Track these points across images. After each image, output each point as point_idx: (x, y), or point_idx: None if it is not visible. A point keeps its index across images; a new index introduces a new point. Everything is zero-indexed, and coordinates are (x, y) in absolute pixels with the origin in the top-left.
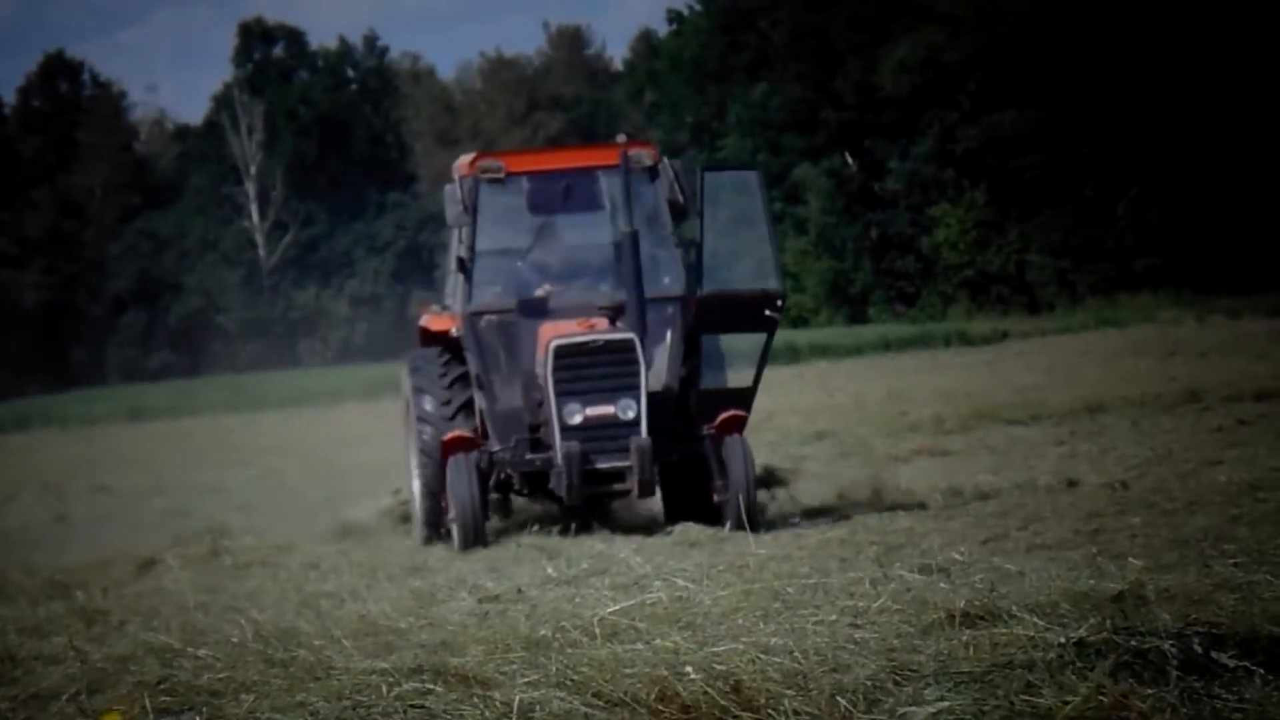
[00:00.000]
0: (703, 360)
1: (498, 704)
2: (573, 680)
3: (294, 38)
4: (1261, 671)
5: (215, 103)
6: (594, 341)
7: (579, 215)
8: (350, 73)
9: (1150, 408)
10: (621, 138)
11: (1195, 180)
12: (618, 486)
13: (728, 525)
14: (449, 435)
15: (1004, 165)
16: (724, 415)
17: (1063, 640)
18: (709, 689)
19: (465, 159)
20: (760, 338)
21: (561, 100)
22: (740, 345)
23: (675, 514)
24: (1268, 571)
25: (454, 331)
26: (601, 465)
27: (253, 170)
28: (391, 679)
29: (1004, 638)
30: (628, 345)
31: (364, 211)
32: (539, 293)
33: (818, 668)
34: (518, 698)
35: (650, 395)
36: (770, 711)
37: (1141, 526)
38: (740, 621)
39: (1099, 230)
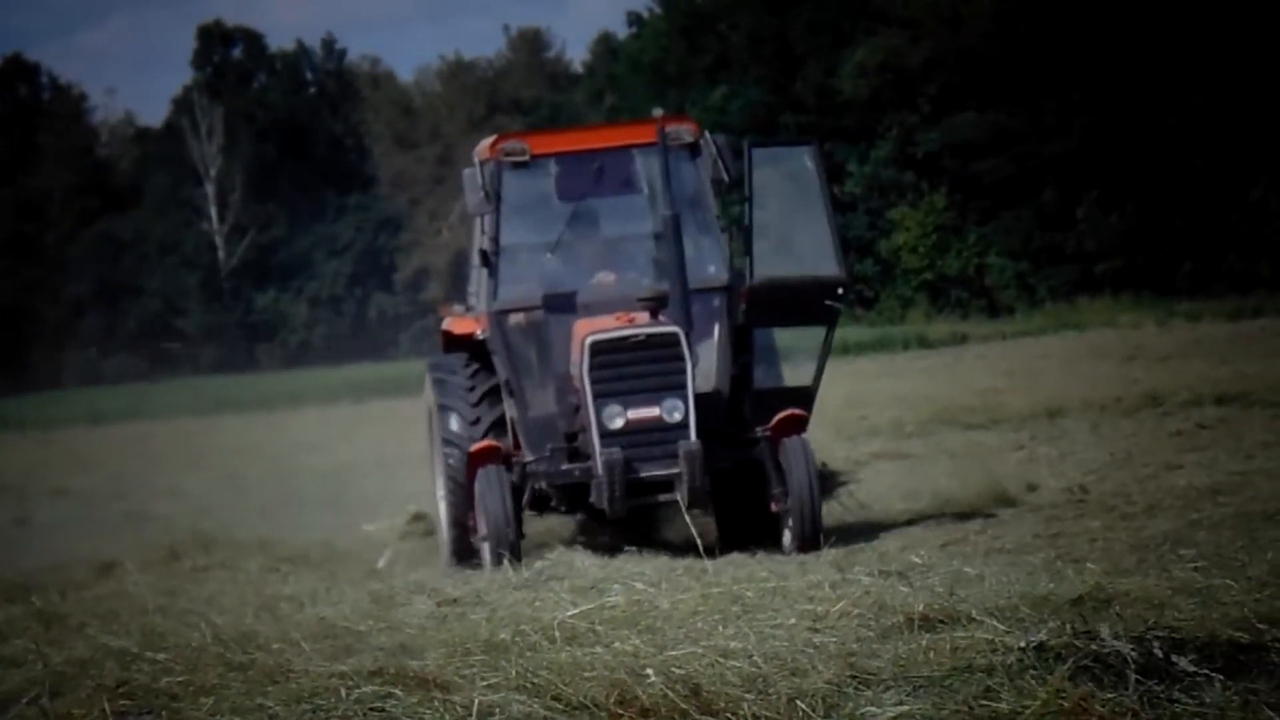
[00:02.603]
0: (755, 357)
1: (457, 707)
2: (532, 683)
3: (253, 40)
4: (1220, 676)
5: (174, 105)
6: (634, 336)
7: (613, 200)
8: (309, 76)
9: (1110, 411)
10: (658, 112)
11: (1155, 184)
12: (664, 497)
13: (787, 537)
14: (477, 446)
15: (964, 168)
16: (782, 414)
17: (1022, 644)
18: (668, 692)
19: (486, 141)
20: (819, 331)
21: (521, 103)
22: (793, 340)
23: (729, 527)
24: (1227, 576)
25: (479, 334)
26: (646, 474)
27: (212, 173)
28: (351, 682)
29: (963, 641)
30: (672, 339)
31: (323, 214)
32: (593, 281)
33: (777, 671)
34: (477, 701)
35: (698, 396)
36: (729, 715)
37: (1101, 531)
38: (699, 625)
39: (1059, 234)
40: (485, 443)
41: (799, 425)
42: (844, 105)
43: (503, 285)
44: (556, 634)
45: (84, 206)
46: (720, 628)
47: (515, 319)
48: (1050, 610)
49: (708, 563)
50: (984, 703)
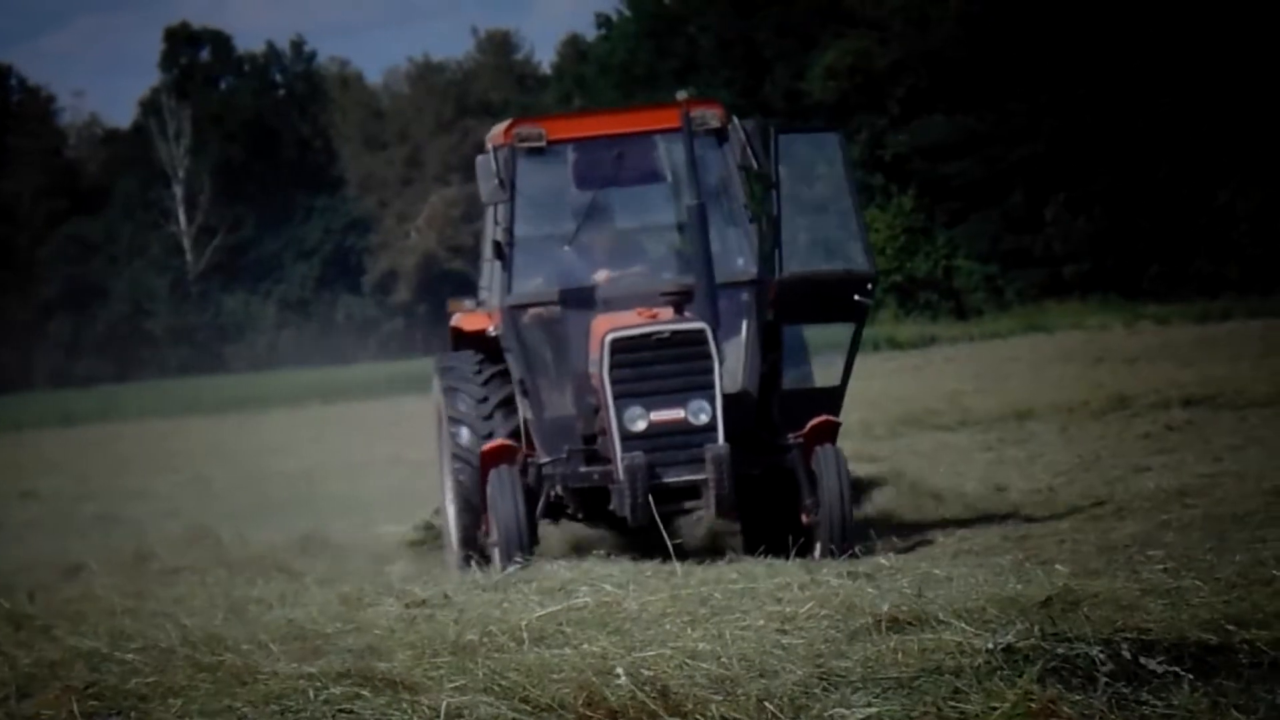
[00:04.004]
0: (784, 355)
1: (425, 709)
2: (500, 685)
3: (220, 42)
4: (1190, 677)
5: (142, 107)
6: (658, 333)
7: (635, 189)
8: (278, 77)
9: (1078, 414)
10: (683, 94)
11: (1123, 187)
12: (690, 505)
13: (818, 550)
14: (490, 445)
15: (932, 171)
16: (815, 421)
17: (990, 646)
18: (637, 693)
19: (500, 127)
20: (846, 329)
21: (490, 105)
22: (816, 338)
23: (755, 538)
24: (1196, 578)
25: (491, 330)
26: (670, 479)
27: (180, 175)
28: (319, 684)
29: (932, 643)
30: (699, 336)
31: (291, 216)
32: (594, 278)
33: (745, 673)
34: (445, 703)
35: (726, 398)
36: (698, 716)
37: (1069, 532)
38: (668, 626)
39: (1027, 236)
40: (498, 442)
41: (832, 432)
42: (813, 108)
43: (517, 279)
44: (524, 635)
45: (52, 208)
46: (689, 629)
47: (530, 314)
48: (1018, 612)
49: (676, 565)
50: (952, 704)
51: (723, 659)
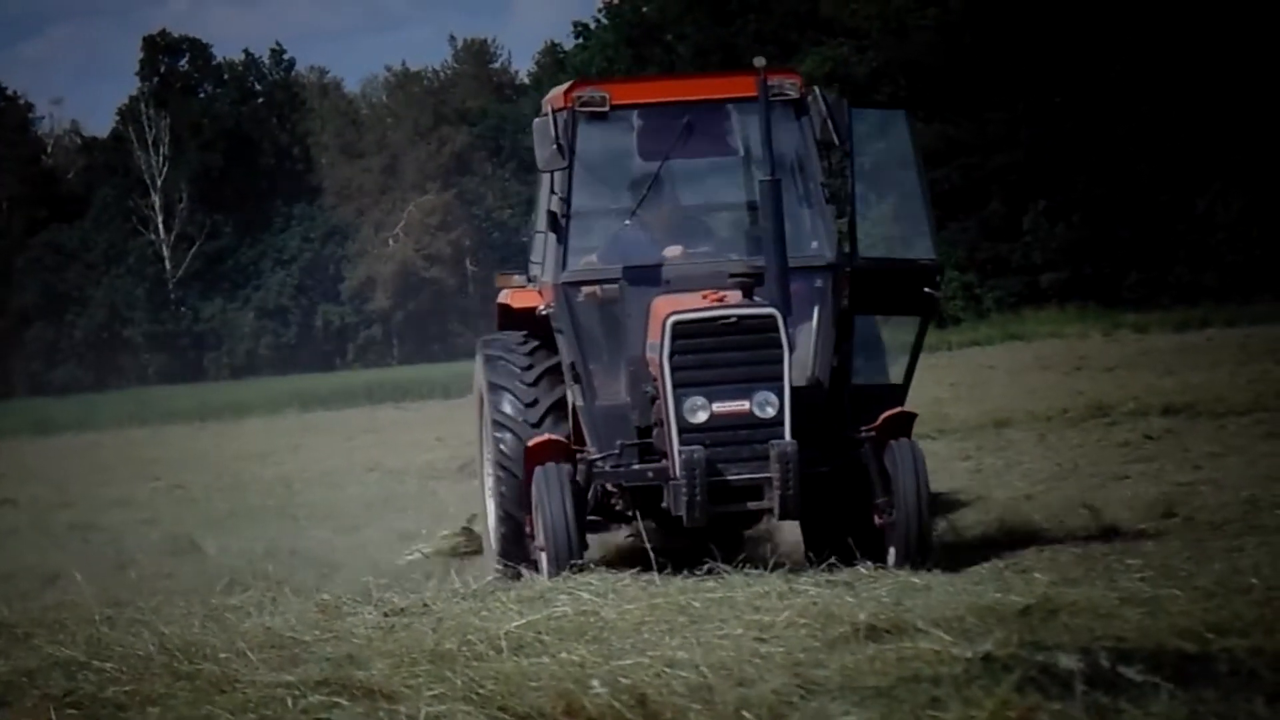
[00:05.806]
0: (856, 347)
1: (403, 717)
2: (478, 694)
3: (199, 50)
4: (1168, 686)
5: (121, 115)
6: (725, 317)
7: (703, 162)
8: (256, 86)
9: (1057, 422)
10: (760, 62)
11: (1102, 195)
12: (753, 505)
13: (892, 554)
14: (535, 440)
15: None
16: (889, 413)
17: (969, 654)
18: (615, 702)
19: (561, 88)
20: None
21: (468, 114)
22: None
23: (820, 541)
24: (1174, 586)
25: (541, 309)
26: (732, 477)
27: (159, 183)
28: (297, 692)
29: (910, 652)
30: (768, 323)
31: (270, 224)
32: (664, 254)
33: (723, 681)
34: (423, 711)
35: (794, 390)
36: None
37: (1048, 541)
38: (646, 635)
39: (1005, 244)
40: (545, 437)
41: (907, 426)
42: None
43: (573, 253)
44: (503, 644)
45: (30, 216)
46: (667, 638)
47: (585, 293)
48: (997, 620)
49: (655, 574)
50: (931, 713)
51: (701, 668)
